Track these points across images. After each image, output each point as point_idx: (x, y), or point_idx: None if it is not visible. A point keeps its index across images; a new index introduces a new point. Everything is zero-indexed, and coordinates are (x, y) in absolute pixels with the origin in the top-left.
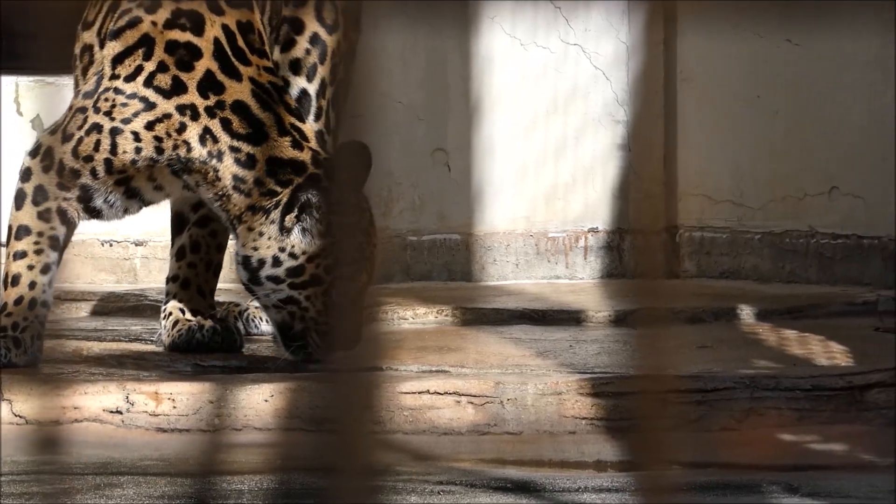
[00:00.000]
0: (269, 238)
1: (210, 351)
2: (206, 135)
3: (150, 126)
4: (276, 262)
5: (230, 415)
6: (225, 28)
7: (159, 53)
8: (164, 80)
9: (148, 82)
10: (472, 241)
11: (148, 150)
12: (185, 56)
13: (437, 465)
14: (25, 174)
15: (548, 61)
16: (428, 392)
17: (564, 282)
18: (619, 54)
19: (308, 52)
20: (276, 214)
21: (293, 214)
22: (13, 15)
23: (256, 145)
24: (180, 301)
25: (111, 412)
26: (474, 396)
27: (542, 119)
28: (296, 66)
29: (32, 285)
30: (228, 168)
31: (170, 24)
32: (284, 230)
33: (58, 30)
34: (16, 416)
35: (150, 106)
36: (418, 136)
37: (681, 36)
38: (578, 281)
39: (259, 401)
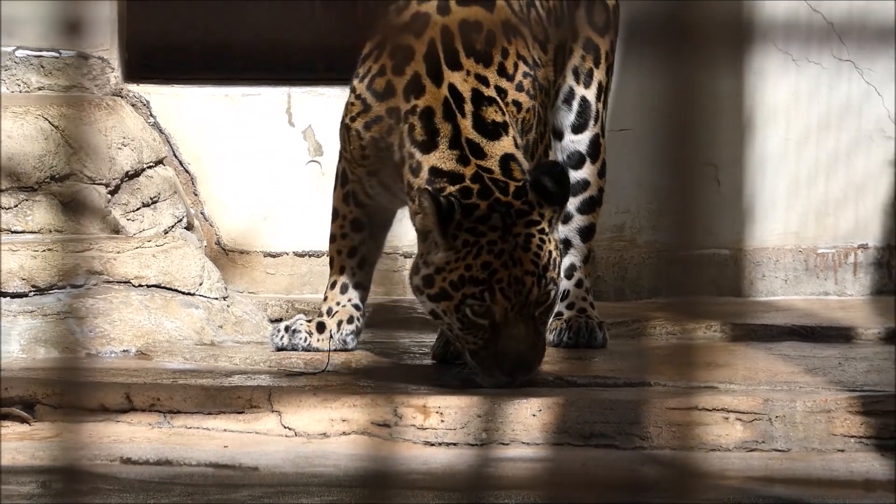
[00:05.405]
0: (420, 246)
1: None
2: (401, 139)
3: (367, 127)
4: (416, 269)
5: (498, 429)
6: (444, 29)
7: (384, 57)
8: (380, 83)
9: (369, 85)
10: (740, 257)
11: (370, 149)
12: (402, 59)
13: (704, 481)
14: (339, 157)
15: (820, 77)
16: (696, 408)
17: (834, 298)
18: (892, 70)
19: (583, 58)
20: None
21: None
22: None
23: (426, 153)
24: None
25: (379, 425)
26: (743, 413)
27: (814, 135)
28: (575, 74)
29: (342, 269)
30: (405, 174)
31: (401, 28)
32: (421, 236)
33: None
34: (285, 427)
35: (367, 108)
36: (688, 151)
37: None
38: (848, 298)
39: (527, 415)
